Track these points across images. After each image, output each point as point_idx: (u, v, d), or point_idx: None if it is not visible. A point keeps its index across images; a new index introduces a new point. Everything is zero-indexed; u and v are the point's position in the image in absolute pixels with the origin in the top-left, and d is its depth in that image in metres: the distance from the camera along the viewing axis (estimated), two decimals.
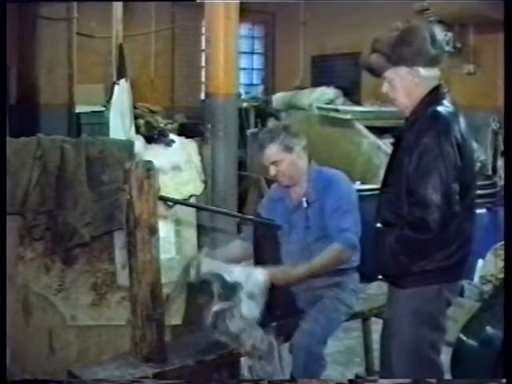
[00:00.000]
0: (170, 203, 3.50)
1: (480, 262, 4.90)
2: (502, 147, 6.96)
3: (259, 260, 3.26)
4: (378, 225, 2.75)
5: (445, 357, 3.77)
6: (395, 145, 2.80)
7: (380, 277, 2.84)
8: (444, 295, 2.69)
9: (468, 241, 2.70)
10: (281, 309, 3.20)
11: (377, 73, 2.74)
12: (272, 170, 3.36)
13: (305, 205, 3.36)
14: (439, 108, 2.62)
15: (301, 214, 3.37)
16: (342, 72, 10.35)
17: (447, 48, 7.58)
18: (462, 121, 2.68)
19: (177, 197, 3.56)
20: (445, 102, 2.67)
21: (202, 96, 8.03)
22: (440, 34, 7.56)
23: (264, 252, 3.29)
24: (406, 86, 2.68)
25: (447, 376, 3.56)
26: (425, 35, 2.63)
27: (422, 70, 2.66)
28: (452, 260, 2.64)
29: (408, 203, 2.58)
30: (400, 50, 2.63)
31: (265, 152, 3.33)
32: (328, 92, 8.47)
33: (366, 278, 3.40)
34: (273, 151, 3.31)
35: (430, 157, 2.53)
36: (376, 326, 3.20)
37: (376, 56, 2.70)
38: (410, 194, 2.57)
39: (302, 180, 3.38)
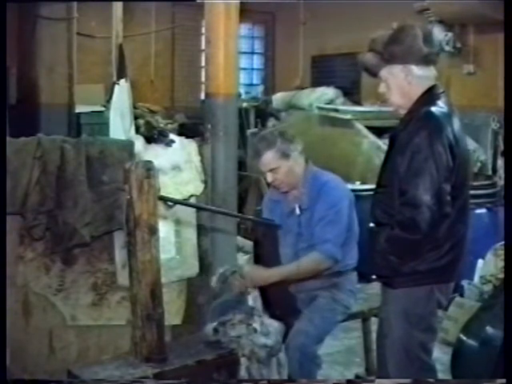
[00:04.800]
0: (170, 203, 3.49)
1: (480, 262, 4.90)
2: (502, 147, 6.97)
3: (258, 259, 3.27)
4: (371, 224, 2.76)
5: (445, 357, 3.79)
6: (389, 144, 2.81)
7: (374, 277, 2.84)
8: (435, 296, 2.69)
9: (461, 242, 2.69)
10: (280, 309, 3.20)
11: (372, 72, 2.75)
12: (269, 177, 3.34)
13: (298, 212, 3.35)
14: (432, 108, 2.62)
15: (294, 219, 3.36)
16: (341, 72, 10.35)
17: (447, 48, 7.60)
18: (456, 121, 2.67)
19: (177, 197, 3.56)
20: (439, 102, 2.67)
21: (202, 96, 8.03)
22: (440, 33, 7.61)
23: (263, 251, 3.29)
24: (399, 84, 2.69)
25: (447, 376, 3.57)
26: (416, 33, 2.64)
27: (415, 69, 2.66)
28: (443, 261, 2.63)
29: (399, 203, 2.58)
30: (392, 48, 2.65)
31: (261, 159, 3.30)
32: (328, 92, 8.46)
33: (365, 278, 3.40)
34: (269, 158, 3.28)
35: (421, 157, 2.53)
36: (376, 326, 3.21)
37: (370, 55, 2.72)
38: (401, 194, 2.57)
39: (299, 184, 3.37)
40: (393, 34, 2.67)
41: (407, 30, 2.66)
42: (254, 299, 3.13)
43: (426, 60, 2.67)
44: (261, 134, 3.62)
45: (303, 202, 3.33)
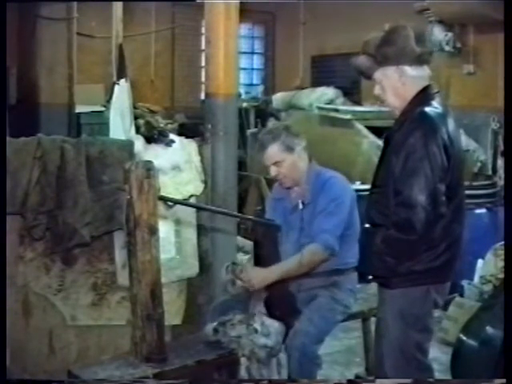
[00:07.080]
0: (170, 203, 3.50)
1: (480, 261, 4.90)
2: (502, 147, 6.96)
3: (258, 259, 3.27)
4: (367, 225, 2.76)
5: (444, 357, 3.79)
6: (384, 145, 2.81)
7: (370, 277, 2.84)
8: (431, 296, 2.69)
9: (457, 242, 2.69)
10: (280, 309, 3.20)
11: (367, 75, 2.76)
12: (273, 171, 3.35)
13: (300, 206, 3.36)
14: (426, 109, 2.62)
15: (297, 215, 3.38)
16: (342, 72, 10.34)
17: (447, 48, 7.59)
18: (450, 121, 2.68)
19: (177, 197, 3.56)
20: (434, 102, 2.67)
21: (202, 96, 8.02)
22: (440, 33, 7.60)
23: (263, 251, 3.29)
24: (393, 85, 2.69)
25: (446, 376, 3.57)
26: (408, 34, 2.64)
27: (409, 69, 2.67)
28: (439, 261, 2.63)
29: (394, 204, 2.58)
30: (384, 50, 2.65)
31: (266, 152, 3.32)
32: (328, 92, 8.46)
33: (362, 278, 3.40)
34: (274, 151, 3.30)
35: (416, 158, 2.53)
36: None
37: (363, 58, 2.73)
38: (396, 195, 2.58)
39: (302, 181, 3.38)
40: (384, 35, 2.67)
41: (399, 30, 2.66)
42: (254, 303, 3.14)
43: (420, 60, 2.67)
44: (266, 128, 3.64)
45: (306, 197, 3.35)
